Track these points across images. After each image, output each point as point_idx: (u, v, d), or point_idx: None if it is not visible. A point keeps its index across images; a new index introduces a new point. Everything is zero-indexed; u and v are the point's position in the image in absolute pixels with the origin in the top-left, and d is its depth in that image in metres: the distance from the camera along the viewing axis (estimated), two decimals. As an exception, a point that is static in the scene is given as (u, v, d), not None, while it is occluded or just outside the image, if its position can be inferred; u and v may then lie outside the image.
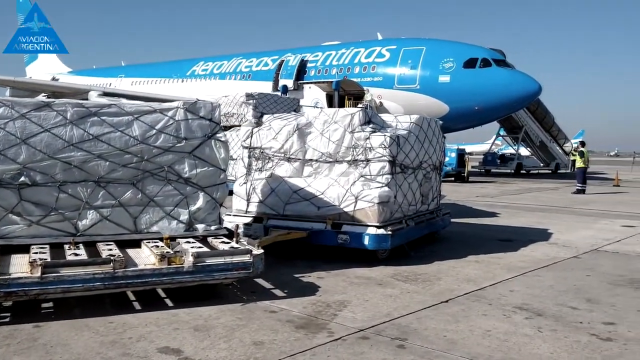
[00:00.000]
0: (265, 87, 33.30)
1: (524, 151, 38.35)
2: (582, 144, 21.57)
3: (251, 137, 8.13)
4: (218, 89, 36.22)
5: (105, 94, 34.26)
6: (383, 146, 7.45)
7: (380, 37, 32.40)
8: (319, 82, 30.53)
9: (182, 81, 39.39)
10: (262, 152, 8.04)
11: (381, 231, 7.17)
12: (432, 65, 27.68)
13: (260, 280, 6.13)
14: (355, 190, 7.36)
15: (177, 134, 5.86)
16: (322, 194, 7.53)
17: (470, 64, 27.08)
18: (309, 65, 32.72)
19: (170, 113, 5.88)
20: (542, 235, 10.19)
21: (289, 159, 7.89)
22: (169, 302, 5.28)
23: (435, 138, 9.13)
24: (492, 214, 13.28)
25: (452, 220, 11.19)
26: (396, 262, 7.33)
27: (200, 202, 5.97)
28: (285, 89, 28.43)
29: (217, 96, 35.55)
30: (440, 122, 9.70)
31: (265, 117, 8.42)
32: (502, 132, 36.31)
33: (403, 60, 28.61)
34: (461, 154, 25.71)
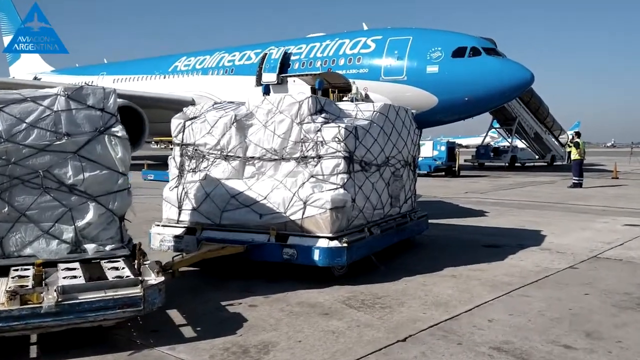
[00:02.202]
0: (249, 81, 32.11)
1: (521, 144, 37.15)
2: (577, 134, 20.28)
3: (183, 131, 6.82)
4: (200, 85, 34.99)
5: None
6: (337, 139, 6.15)
7: (366, 28, 31.09)
8: (302, 75, 29.19)
9: (164, 77, 38.09)
10: (196, 150, 6.73)
11: (335, 243, 5.87)
12: (420, 56, 26.41)
13: (173, 312, 4.85)
14: (304, 194, 6.06)
15: (57, 128, 4.55)
16: (265, 198, 6.23)
17: (459, 53, 25.81)
18: (292, 58, 31.40)
19: (46, 102, 4.57)
20: (533, 238, 8.92)
21: (226, 157, 6.58)
22: (33, 351, 3.99)
23: (406, 130, 7.83)
24: (480, 213, 12.00)
25: (434, 221, 9.96)
26: (355, 280, 6.05)
27: (90, 216, 4.66)
28: (267, 89, 26.97)
29: (197, 92, 34.17)
30: (413, 111, 8.40)
31: (203, 107, 7.11)
32: (495, 125, 35.00)
33: (389, 51, 27.32)
34: (451, 148, 24.45)
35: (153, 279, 4.19)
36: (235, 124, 6.54)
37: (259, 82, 31.32)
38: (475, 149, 36.13)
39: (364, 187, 6.60)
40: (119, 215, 4.85)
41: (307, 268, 6.00)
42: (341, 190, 6.12)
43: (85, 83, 40.99)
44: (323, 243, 5.85)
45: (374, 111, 7.02)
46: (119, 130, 4.78)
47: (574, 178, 18.89)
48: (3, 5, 56.51)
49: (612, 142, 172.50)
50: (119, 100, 5.04)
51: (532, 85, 31.67)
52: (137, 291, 3.97)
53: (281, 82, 30.59)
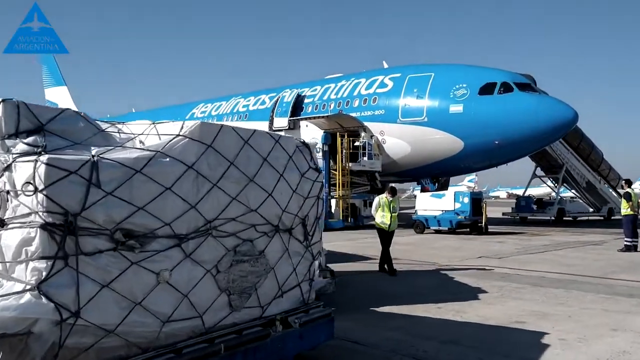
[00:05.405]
0: (262, 127, 29.46)
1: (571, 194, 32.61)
2: (628, 183, 16.13)
3: None
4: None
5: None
6: (31, 187, 2.97)
7: (386, 66, 28.14)
8: (314, 118, 26.39)
9: (181, 125, 36.14)
10: None
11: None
12: (442, 93, 23.15)
13: None
14: (-56, 304, 2.84)
15: None
16: None
17: (487, 89, 22.40)
18: (306, 100, 28.79)
19: None
20: (525, 354, 5.32)
21: None
22: None
23: (274, 171, 4.52)
24: (471, 294, 8.35)
25: (387, 310, 6.71)
26: None
27: None
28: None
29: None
30: (312, 140, 5.12)
31: None
32: (538, 173, 30.74)
33: (408, 89, 24.19)
34: (476, 199, 20.56)
35: None
36: None
37: (271, 127, 28.77)
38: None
39: (122, 282, 3.31)
40: None
41: None
42: (25, 297, 2.87)
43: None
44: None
45: (177, 136, 3.79)
46: None
47: (626, 239, 14.76)
48: (46, 59, 57.47)
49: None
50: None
51: (580, 127, 27.86)
52: None
53: (293, 127, 27.90)
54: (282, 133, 26.14)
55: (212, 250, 3.95)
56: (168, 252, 3.62)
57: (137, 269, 3.41)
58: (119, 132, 3.83)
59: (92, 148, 3.43)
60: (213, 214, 3.95)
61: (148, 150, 3.58)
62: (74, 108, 35.62)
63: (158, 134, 3.88)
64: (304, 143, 5.08)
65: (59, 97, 55.38)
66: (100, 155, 3.30)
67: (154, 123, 4.00)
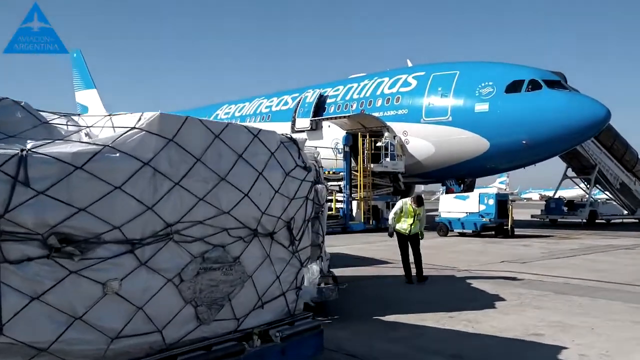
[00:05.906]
0: (284, 128, 29.18)
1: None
2: (664, 183, 15.29)
3: None
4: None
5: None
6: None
7: (410, 65, 27.49)
8: (336, 118, 25.91)
9: (205, 127, 36.09)
10: None
11: None
12: (467, 92, 22.43)
13: None
14: None
15: None
16: None
17: (514, 87, 21.58)
18: (328, 100, 28.34)
19: None
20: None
21: None
22: None
23: (251, 169, 4.08)
24: (487, 303, 7.77)
25: (394, 319, 6.23)
26: None
27: None
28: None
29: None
30: (289, 136, 4.67)
31: None
32: (569, 174, 29.68)
33: (432, 88, 23.52)
34: (502, 201, 19.77)
35: None
36: None
37: (293, 128, 28.42)
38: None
39: (58, 294, 2.92)
40: None
41: None
42: None
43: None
44: None
45: (132, 128, 3.38)
46: None
47: (661, 242, 13.93)
48: (77, 63, 58.39)
49: None
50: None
51: (614, 126, 26.79)
52: None
53: (315, 127, 27.51)
54: (304, 134, 25.79)
55: (174, 257, 3.53)
56: (118, 259, 3.21)
57: (76, 279, 3.01)
58: (67, 125, 3.43)
59: (28, 141, 3.04)
60: (175, 216, 3.52)
61: (94, 144, 3.18)
62: (103, 111, 35.90)
63: (113, 127, 3.48)
64: (290, 138, 4.64)
65: (89, 99, 56.14)
66: (32, 150, 2.90)
67: (110, 115, 3.60)
